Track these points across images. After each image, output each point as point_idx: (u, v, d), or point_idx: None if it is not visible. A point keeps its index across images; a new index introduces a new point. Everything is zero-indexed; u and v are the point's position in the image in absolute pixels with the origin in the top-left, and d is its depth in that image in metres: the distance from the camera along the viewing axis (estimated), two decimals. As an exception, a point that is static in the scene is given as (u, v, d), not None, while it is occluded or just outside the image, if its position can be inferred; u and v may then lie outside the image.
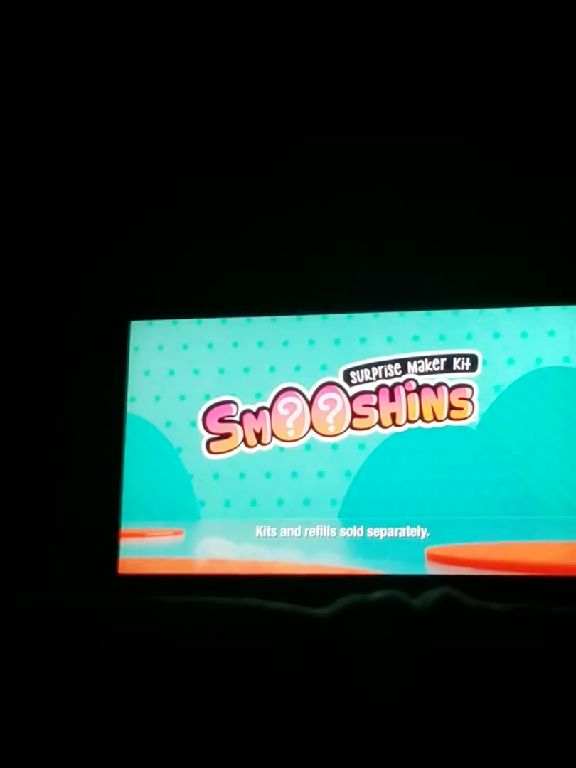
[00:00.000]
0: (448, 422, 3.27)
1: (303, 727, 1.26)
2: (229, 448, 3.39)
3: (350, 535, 3.26)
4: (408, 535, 3.22)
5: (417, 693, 1.25)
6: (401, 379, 3.30)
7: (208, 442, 3.40)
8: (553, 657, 1.32)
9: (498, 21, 3.03)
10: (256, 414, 3.39)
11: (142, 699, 1.31)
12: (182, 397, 3.45)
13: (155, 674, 1.32)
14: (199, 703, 1.30)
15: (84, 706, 1.33)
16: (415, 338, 3.32)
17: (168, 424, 3.44)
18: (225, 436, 3.40)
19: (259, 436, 3.39)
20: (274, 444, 3.37)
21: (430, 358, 3.30)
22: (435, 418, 3.28)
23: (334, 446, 3.33)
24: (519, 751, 1.26)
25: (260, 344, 3.43)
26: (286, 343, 3.41)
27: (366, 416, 3.32)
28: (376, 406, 3.32)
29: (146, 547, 3.42)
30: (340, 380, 3.36)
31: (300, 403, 3.37)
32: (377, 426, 3.30)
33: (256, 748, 1.27)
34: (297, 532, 3.30)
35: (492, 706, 1.27)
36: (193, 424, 3.43)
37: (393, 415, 3.30)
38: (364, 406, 3.32)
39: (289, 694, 1.27)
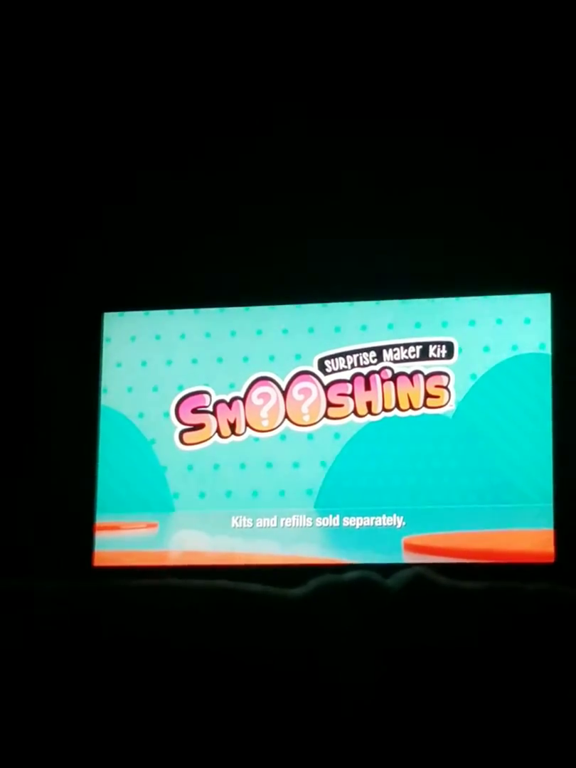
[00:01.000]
0: (424, 411, 3.25)
1: (274, 707, 1.24)
2: (202, 439, 3.36)
3: (326, 524, 3.24)
4: (384, 524, 3.20)
5: (388, 671, 1.23)
6: (377, 367, 3.28)
7: (182, 433, 3.38)
8: (525, 635, 1.31)
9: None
10: (229, 404, 3.36)
11: (113, 682, 1.29)
12: (155, 388, 3.42)
13: (126, 657, 1.30)
14: (170, 684, 1.28)
15: (54, 690, 1.31)
16: (390, 326, 3.30)
17: (141, 415, 3.41)
18: (198, 427, 3.37)
19: (233, 426, 3.37)
20: (249, 434, 3.34)
21: (406, 346, 3.28)
22: (411, 407, 3.26)
23: (310, 436, 3.30)
24: (490, 728, 1.25)
25: (233, 334, 3.40)
26: (259, 332, 3.39)
27: (341, 405, 3.30)
28: (352, 395, 3.30)
29: (121, 540, 3.40)
30: (315, 369, 3.33)
31: (274, 393, 3.34)
32: (353, 415, 3.28)
33: (227, 728, 1.26)
34: (273, 522, 3.28)
35: (465, 684, 1.25)
36: (167, 415, 3.40)
37: (368, 404, 3.28)
38: (339, 395, 3.30)
39: (261, 675, 1.25)
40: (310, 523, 3.24)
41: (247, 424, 3.33)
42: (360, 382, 3.29)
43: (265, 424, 3.32)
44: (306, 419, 3.31)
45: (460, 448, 3.21)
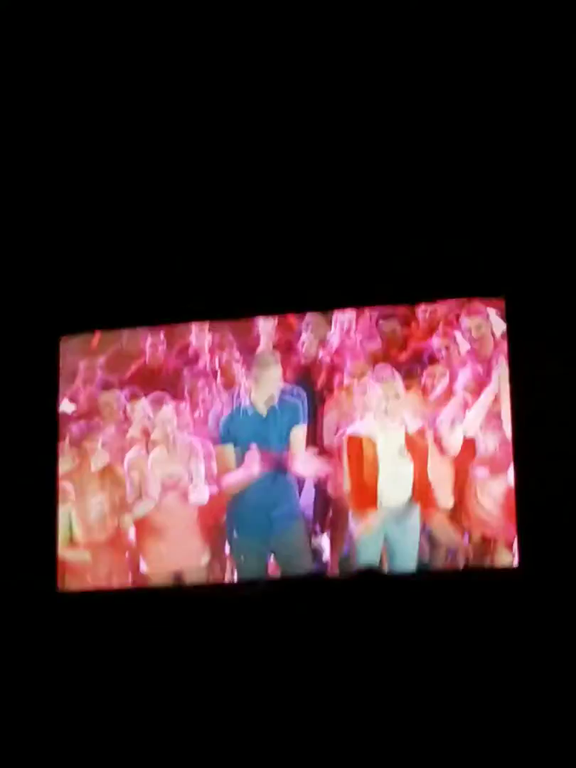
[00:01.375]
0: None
1: (230, 703, 1.25)
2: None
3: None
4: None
5: (342, 663, 1.24)
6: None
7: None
8: (481, 624, 1.32)
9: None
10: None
11: (76, 687, 1.30)
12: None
13: (87, 661, 1.31)
14: (131, 686, 1.29)
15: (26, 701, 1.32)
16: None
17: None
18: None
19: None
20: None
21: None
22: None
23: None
24: (445, 717, 1.26)
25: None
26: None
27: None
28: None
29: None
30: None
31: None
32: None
33: (188, 727, 1.27)
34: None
35: (415, 669, 1.27)
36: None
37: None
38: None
39: (216, 672, 1.27)
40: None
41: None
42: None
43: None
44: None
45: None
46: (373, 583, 1.34)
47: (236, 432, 2.93)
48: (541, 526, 2.93)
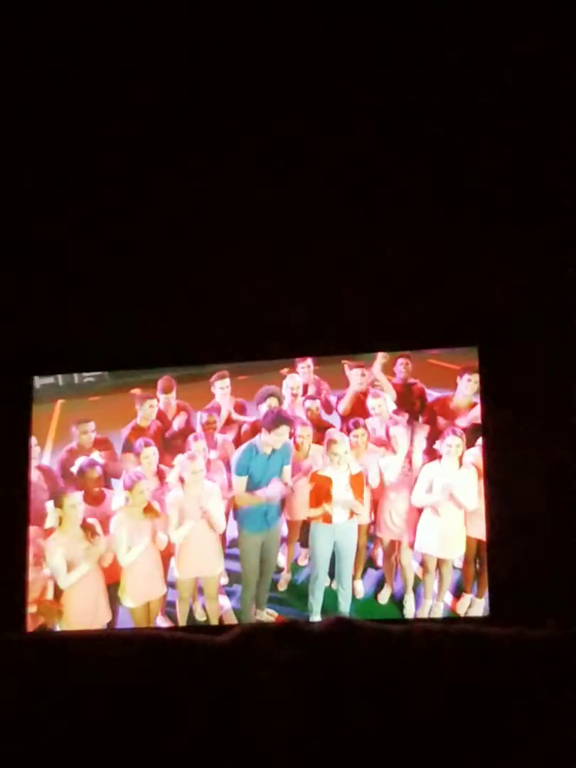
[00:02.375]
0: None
1: (200, 751, 1.27)
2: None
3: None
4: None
5: (315, 712, 1.27)
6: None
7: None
8: (449, 673, 1.35)
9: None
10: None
11: (40, 731, 1.30)
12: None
13: (54, 706, 1.32)
14: (98, 732, 1.30)
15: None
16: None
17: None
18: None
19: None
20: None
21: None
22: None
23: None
24: (417, 763, 1.28)
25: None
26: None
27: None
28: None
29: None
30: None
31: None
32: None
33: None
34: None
35: (388, 718, 1.29)
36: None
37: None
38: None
39: (188, 719, 1.28)
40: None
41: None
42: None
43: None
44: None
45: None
46: (346, 633, 1.37)
47: (248, 466, 3.47)
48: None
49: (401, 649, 1.35)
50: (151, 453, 3.46)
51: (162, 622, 3.35)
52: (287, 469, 3.43)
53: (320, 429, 3.46)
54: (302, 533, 3.45)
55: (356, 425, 3.43)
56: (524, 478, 3.18)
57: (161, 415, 3.51)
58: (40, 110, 3.20)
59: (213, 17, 2.99)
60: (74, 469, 3.47)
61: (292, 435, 3.44)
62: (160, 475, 3.47)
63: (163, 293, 3.47)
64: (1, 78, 3.09)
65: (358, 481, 3.39)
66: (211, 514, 3.42)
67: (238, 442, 3.49)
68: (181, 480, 3.45)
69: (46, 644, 1.43)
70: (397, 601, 3.33)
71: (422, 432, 3.39)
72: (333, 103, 3.18)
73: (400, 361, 3.44)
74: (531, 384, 3.21)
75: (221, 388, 3.51)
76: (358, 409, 3.46)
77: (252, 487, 3.43)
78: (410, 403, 3.41)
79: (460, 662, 1.36)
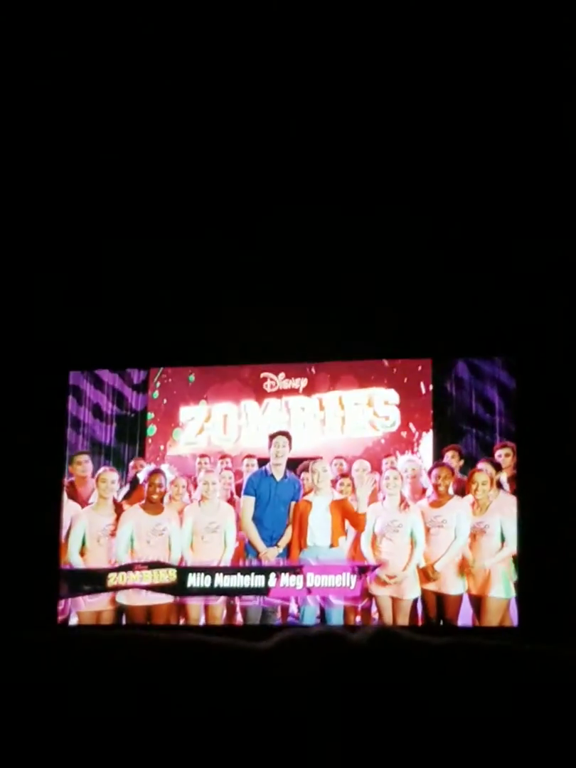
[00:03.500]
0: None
1: (237, 758, 1.25)
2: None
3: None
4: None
5: (352, 724, 1.24)
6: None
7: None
8: (487, 689, 1.32)
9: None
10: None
11: (76, 737, 1.29)
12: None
13: (89, 710, 1.30)
14: (135, 738, 1.29)
15: (12, 747, 1.30)
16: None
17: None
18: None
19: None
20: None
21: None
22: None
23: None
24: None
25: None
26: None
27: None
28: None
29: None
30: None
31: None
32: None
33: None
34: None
35: (430, 736, 1.27)
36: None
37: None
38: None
39: (226, 727, 1.26)
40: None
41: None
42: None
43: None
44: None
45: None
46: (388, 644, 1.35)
47: (258, 488, 3.55)
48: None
49: (442, 662, 1.32)
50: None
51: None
52: (292, 507, 3.53)
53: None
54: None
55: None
56: (556, 490, 3.17)
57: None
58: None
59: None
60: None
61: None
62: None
63: (194, 292, 3.50)
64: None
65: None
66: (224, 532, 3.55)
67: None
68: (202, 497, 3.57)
69: (79, 644, 1.41)
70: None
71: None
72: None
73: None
74: (565, 397, 3.20)
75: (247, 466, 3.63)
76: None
77: (259, 509, 3.52)
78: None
79: (501, 680, 1.33)
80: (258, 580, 3.44)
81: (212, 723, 1.24)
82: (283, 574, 3.44)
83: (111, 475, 3.54)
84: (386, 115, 3.19)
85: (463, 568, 3.34)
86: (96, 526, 3.50)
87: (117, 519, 3.51)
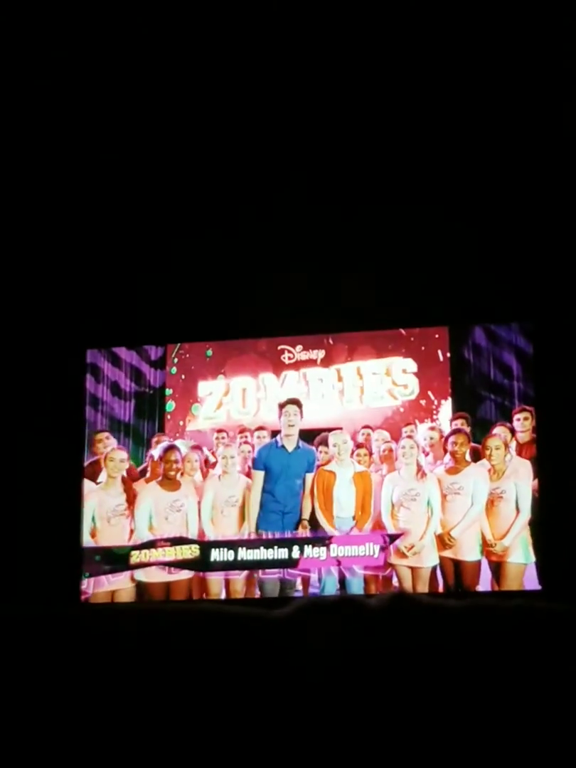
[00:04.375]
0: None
1: (258, 725, 1.25)
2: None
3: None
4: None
5: (370, 687, 1.24)
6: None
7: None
8: (507, 651, 1.33)
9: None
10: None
11: (95, 706, 1.30)
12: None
13: (107, 680, 1.31)
14: (154, 706, 1.30)
15: (34, 716, 1.31)
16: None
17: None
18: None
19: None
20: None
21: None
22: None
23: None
24: (471, 744, 1.26)
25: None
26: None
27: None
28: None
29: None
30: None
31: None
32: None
33: (210, 749, 1.27)
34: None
35: (447, 699, 1.27)
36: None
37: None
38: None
39: (244, 695, 1.27)
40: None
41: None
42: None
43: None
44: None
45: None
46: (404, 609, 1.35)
47: (267, 460, 3.52)
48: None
49: (460, 626, 1.32)
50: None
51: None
52: (309, 478, 3.49)
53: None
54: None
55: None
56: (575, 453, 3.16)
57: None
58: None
59: None
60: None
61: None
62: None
63: (210, 267, 3.50)
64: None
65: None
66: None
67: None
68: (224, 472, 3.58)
69: (96, 617, 1.42)
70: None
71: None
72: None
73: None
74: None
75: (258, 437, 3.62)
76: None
77: (270, 482, 3.51)
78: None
79: (520, 640, 1.33)
80: (282, 553, 3.43)
81: (230, 690, 1.25)
82: (307, 545, 3.43)
83: (119, 454, 3.54)
84: (404, 83, 3.17)
85: (484, 547, 3.35)
86: (105, 506, 3.50)
87: (128, 498, 3.50)
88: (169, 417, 3.61)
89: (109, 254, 3.54)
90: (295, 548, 3.41)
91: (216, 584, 3.52)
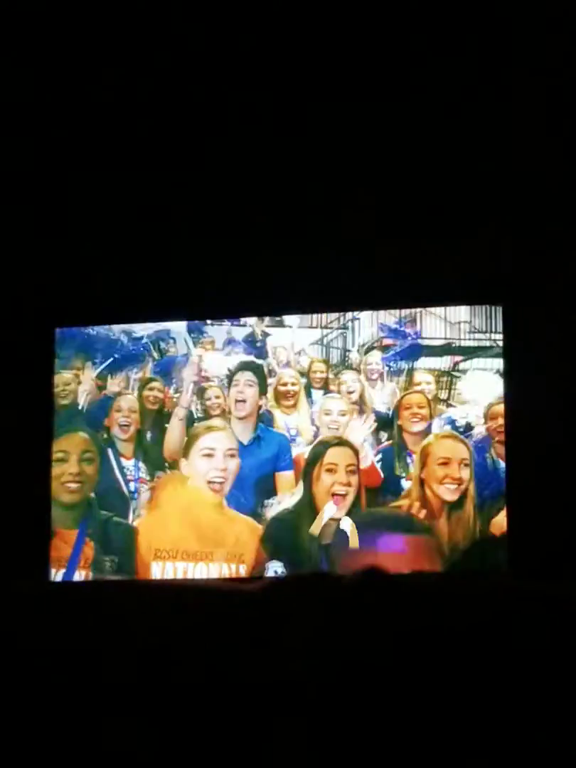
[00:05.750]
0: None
1: (227, 701, 1.25)
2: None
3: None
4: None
5: (344, 661, 1.25)
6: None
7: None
8: (479, 626, 1.33)
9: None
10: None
11: (72, 682, 1.29)
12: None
13: (85, 656, 1.30)
14: (130, 681, 1.29)
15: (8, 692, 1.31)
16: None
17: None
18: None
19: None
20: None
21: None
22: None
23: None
24: (447, 720, 1.27)
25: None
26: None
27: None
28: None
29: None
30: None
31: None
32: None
33: (187, 724, 1.27)
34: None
35: (420, 673, 1.27)
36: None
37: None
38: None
39: (221, 669, 1.27)
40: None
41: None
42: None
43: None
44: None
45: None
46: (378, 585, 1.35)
47: None
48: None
49: (435, 600, 1.33)
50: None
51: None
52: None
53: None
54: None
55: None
56: (547, 437, 3.16)
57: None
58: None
59: None
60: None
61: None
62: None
63: (186, 245, 3.47)
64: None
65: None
66: None
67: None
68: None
69: (66, 594, 1.42)
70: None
71: None
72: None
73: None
74: (555, 346, 3.19)
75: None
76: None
77: None
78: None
79: (494, 615, 1.34)
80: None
81: (207, 666, 1.24)
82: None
83: None
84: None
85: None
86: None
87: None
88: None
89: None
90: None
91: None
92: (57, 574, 3.19)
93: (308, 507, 3.10)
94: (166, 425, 3.29)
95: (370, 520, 3.11)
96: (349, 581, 1.34)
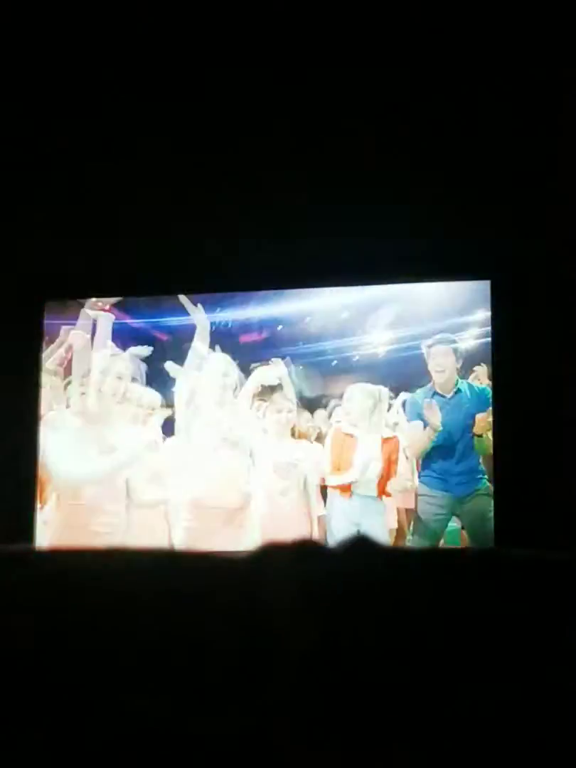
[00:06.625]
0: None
1: (215, 670, 1.25)
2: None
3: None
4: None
5: (330, 628, 1.24)
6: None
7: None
8: (466, 595, 1.32)
9: None
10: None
11: (58, 646, 1.28)
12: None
13: (71, 623, 1.29)
14: (118, 646, 1.28)
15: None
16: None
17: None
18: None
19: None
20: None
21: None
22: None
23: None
24: (429, 687, 1.26)
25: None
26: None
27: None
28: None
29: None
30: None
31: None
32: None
33: (176, 688, 1.26)
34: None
35: (406, 642, 1.27)
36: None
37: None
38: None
39: (203, 638, 1.26)
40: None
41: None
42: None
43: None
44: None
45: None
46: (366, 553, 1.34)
47: None
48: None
49: (424, 570, 1.32)
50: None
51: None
52: None
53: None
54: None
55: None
56: (533, 411, 3.16)
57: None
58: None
59: None
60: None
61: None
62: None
63: (173, 220, 3.46)
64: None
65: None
66: None
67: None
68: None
69: (46, 560, 1.40)
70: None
71: None
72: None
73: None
74: (542, 320, 3.19)
75: None
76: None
77: None
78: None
79: (482, 584, 1.33)
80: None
81: (187, 637, 1.24)
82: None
83: None
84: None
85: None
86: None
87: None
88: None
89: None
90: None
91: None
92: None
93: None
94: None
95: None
96: (338, 549, 1.34)
